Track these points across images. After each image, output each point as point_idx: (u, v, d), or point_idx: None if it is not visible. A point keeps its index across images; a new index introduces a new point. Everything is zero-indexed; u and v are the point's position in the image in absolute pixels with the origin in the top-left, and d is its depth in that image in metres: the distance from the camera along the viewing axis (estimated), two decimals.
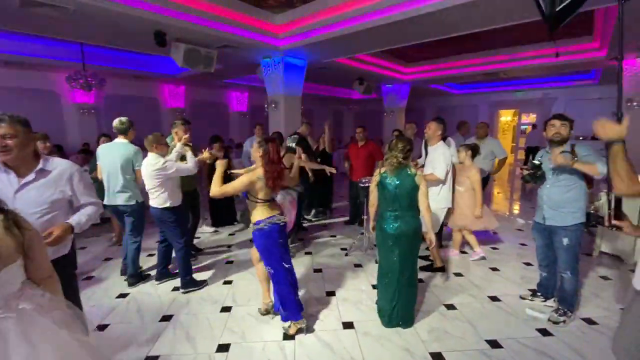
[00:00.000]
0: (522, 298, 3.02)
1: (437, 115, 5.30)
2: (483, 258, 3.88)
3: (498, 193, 8.31)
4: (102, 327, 2.64)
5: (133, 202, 3.27)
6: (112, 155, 3.28)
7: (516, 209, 6.67)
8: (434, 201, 3.20)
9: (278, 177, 2.48)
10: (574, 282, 2.58)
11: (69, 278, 1.81)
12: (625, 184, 1.41)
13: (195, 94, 12.06)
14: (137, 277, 3.35)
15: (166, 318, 2.76)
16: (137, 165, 3.27)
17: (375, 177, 2.64)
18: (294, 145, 5.26)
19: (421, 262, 3.71)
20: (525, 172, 2.62)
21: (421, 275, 3.45)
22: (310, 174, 5.17)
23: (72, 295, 1.73)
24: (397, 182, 2.51)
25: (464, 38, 6.08)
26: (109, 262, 3.96)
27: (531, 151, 13.34)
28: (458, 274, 3.55)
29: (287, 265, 2.55)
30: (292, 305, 2.53)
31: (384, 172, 2.58)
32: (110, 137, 4.38)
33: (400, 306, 2.58)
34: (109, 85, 9.74)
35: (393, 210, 2.55)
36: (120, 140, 3.34)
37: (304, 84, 7.47)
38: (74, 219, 1.75)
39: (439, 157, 3.35)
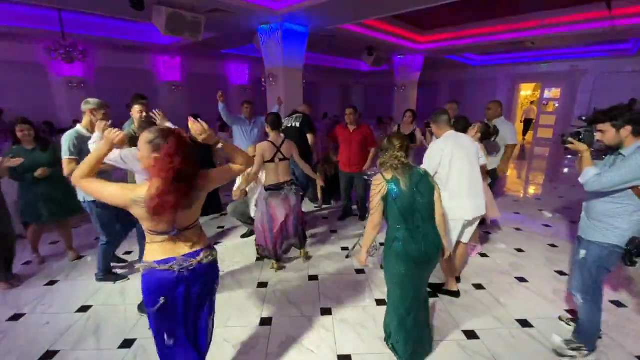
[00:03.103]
0: (561, 320, 2.50)
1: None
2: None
3: (515, 177, 7.59)
4: (51, 354, 2.21)
5: (81, 199, 2.82)
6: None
7: (537, 195, 5.98)
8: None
9: (174, 199, 1.37)
10: (586, 311, 2.06)
11: None
12: None
13: (192, 66, 11.31)
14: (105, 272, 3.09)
15: (128, 343, 2.31)
16: (63, 154, 2.58)
17: (380, 188, 1.94)
18: (297, 124, 4.62)
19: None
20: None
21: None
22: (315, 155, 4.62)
23: None
24: (414, 188, 1.92)
25: (487, 1, 5.22)
26: (79, 262, 3.50)
27: (527, 123, 13.76)
28: (478, 286, 3.01)
29: (167, 342, 1.58)
30: None
31: (391, 178, 1.93)
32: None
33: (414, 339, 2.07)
34: (98, 56, 9.09)
35: (413, 226, 1.93)
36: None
37: (305, 54, 6.71)
38: None
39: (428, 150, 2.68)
